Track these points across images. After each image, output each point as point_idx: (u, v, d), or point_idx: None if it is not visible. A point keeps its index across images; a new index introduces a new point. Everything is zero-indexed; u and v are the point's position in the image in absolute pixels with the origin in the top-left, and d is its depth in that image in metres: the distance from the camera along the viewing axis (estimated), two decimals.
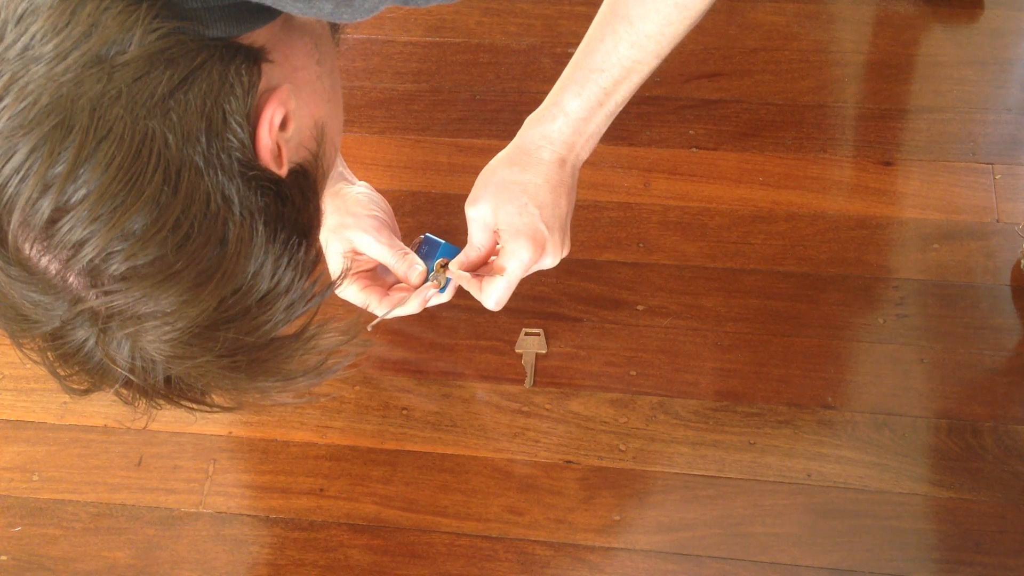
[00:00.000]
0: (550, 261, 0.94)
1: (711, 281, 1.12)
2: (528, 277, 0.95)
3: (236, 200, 0.55)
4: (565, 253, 0.95)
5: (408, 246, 1.03)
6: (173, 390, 0.59)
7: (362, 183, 1.07)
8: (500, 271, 0.93)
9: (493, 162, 0.93)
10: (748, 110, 1.26)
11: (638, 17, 0.84)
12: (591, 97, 0.88)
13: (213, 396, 0.62)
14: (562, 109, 0.89)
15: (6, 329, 0.56)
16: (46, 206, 0.50)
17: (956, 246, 1.13)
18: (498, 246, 0.95)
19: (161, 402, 0.59)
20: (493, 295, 0.94)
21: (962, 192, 1.17)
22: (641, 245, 1.16)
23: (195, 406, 0.61)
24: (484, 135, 1.26)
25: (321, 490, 1.02)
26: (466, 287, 0.97)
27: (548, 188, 0.91)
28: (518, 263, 0.92)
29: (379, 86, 1.32)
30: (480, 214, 0.93)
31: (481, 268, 0.97)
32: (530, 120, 0.92)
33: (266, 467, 1.04)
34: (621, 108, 0.91)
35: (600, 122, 0.90)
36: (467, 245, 0.97)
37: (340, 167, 1.07)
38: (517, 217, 0.91)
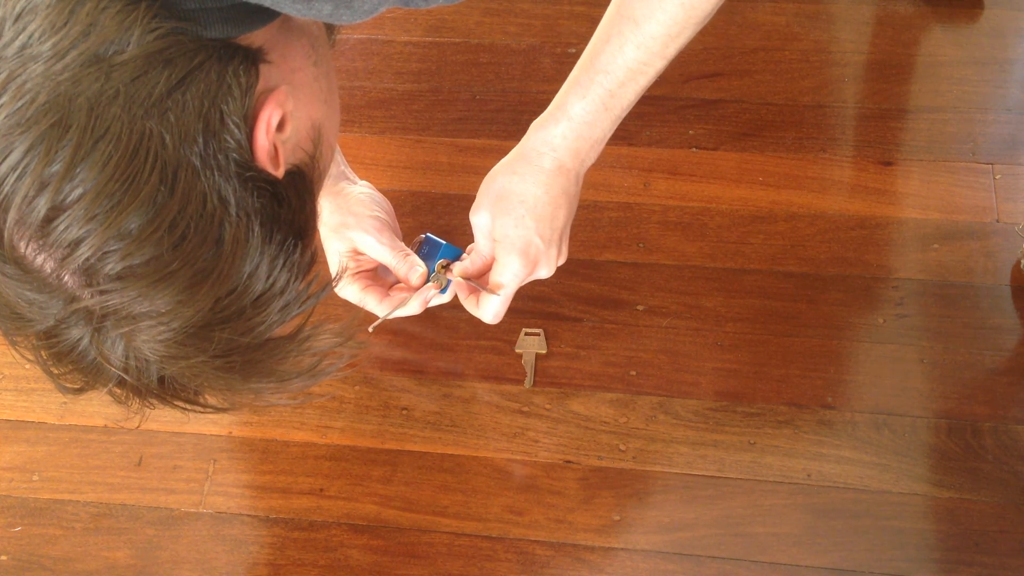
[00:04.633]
0: (544, 273, 0.94)
1: (711, 281, 1.12)
2: None
3: (232, 201, 0.55)
4: (561, 262, 0.95)
5: (409, 246, 1.03)
6: (167, 390, 0.59)
7: (364, 182, 1.07)
8: (496, 288, 0.93)
9: (496, 167, 0.92)
10: (748, 110, 1.26)
11: (644, 17, 0.83)
12: (595, 100, 0.87)
13: (207, 396, 0.62)
14: (565, 112, 0.88)
15: (1, 327, 0.57)
16: (42, 204, 0.50)
17: (956, 246, 1.13)
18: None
19: (154, 402, 0.60)
20: (490, 310, 0.94)
21: (962, 192, 1.17)
22: (641, 245, 1.15)
23: (188, 406, 0.61)
24: (484, 135, 1.26)
25: (321, 490, 1.02)
26: (463, 302, 0.97)
27: (547, 200, 0.90)
28: (512, 277, 0.92)
29: (379, 86, 1.32)
30: (482, 222, 0.92)
31: (482, 278, 0.97)
32: (535, 125, 0.91)
33: (266, 467, 1.04)
34: (626, 113, 0.89)
35: (606, 127, 0.89)
36: (473, 252, 0.96)
37: (342, 166, 1.07)
38: (512, 230, 0.90)
